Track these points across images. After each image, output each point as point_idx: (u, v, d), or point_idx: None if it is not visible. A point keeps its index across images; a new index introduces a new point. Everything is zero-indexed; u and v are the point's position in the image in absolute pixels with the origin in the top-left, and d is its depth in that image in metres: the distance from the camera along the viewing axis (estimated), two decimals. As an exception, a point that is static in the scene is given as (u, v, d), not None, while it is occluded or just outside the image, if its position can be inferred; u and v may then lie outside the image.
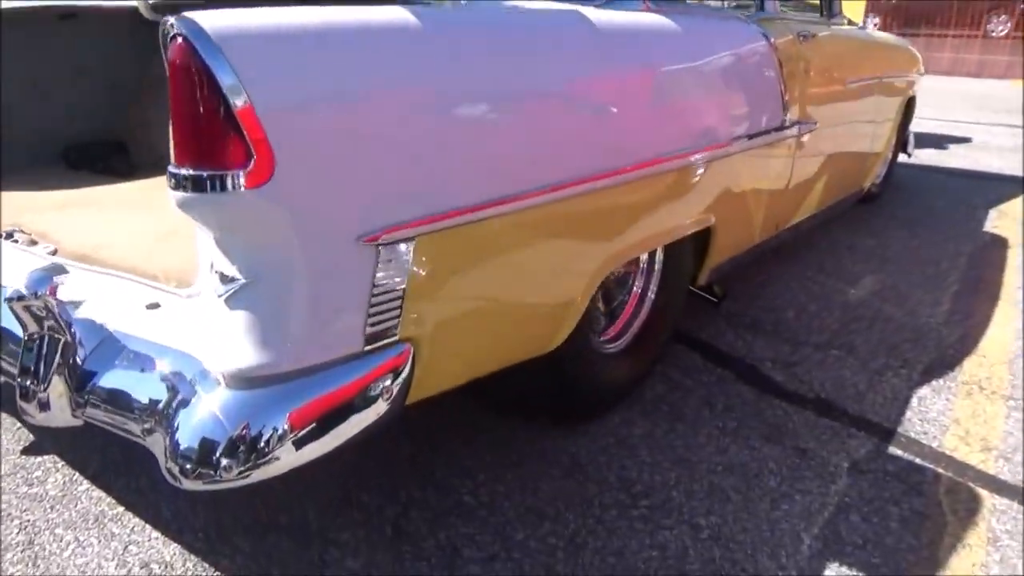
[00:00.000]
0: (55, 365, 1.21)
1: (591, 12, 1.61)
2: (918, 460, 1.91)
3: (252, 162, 0.98)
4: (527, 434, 1.93)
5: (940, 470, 1.87)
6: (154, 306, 1.28)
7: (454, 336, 1.35)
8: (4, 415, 1.98)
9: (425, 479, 1.76)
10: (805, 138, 2.63)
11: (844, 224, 3.90)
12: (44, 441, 1.89)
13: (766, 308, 2.81)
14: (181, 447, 1.09)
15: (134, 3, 2.35)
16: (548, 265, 1.50)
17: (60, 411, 1.23)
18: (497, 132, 1.33)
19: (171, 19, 0.97)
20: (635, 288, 2.07)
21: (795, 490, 1.77)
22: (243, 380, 1.08)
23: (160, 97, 2.28)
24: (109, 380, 1.22)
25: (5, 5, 2.07)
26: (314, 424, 1.14)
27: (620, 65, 1.67)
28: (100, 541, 1.56)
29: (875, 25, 16.51)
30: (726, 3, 2.70)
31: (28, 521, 1.62)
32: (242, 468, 1.06)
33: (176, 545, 1.55)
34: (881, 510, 1.71)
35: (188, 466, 1.07)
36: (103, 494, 1.70)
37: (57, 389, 1.23)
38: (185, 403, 1.11)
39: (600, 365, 1.94)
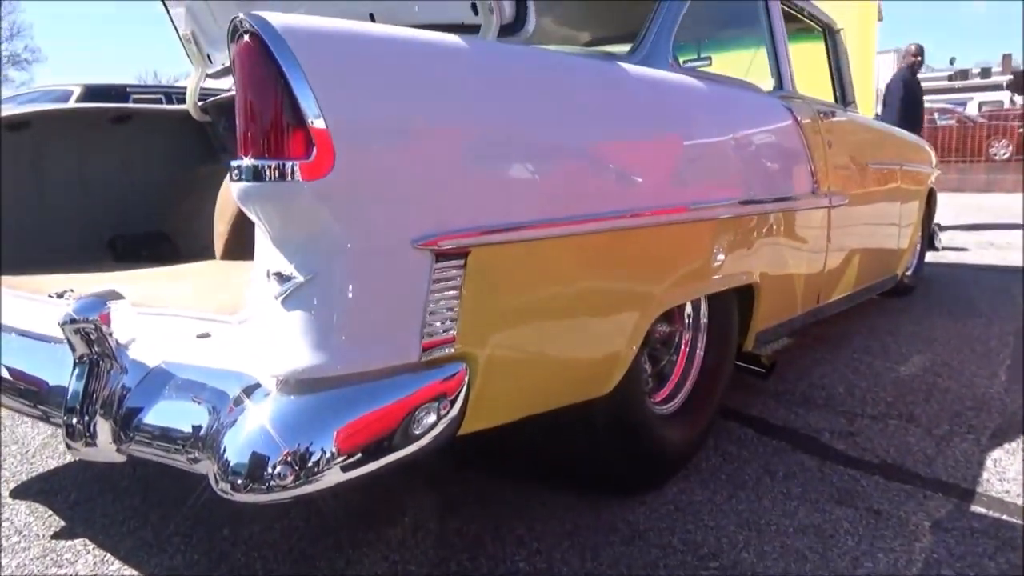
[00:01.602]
0: (100, 403, 1.18)
1: (636, 68, 1.69)
2: (1005, 517, 1.76)
3: (313, 155, 0.99)
4: (581, 505, 1.82)
5: (1032, 525, 1.72)
6: (204, 336, 1.25)
7: (509, 361, 1.31)
8: (34, 503, 1.92)
9: (476, 549, 1.65)
10: (836, 211, 2.64)
11: (882, 314, 3.84)
12: (75, 526, 1.80)
13: (815, 385, 2.72)
14: (232, 464, 1.03)
15: (184, 107, 2.50)
16: (602, 296, 1.48)
17: (105, 447, 1.18)
18: (556, 163, 1.36)
19: (243, 16, 1.01)
20: (683, 347, 2.01)
21: (876, 548, 1.63)
22: (295, 385, 1.03)
23: (205, 193, 2.37)
24: (155, 415, 1.17)
25: (68, 106, 2.20)
26: (366, 438, 1.08)
27: (671, 116, 1.74)
28: (131, 617, 1.45)
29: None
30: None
31: (56, 599, 1.51)
32: (294, 479, 1.00)
33: (212, 618, 1.44)
34: (976, 564, 1.56)
35: (240, 481, 1.01)
36: (135, 572, 1.60)
37: (103, 427, 1.19)
38: (232, 422, 1.06)
39: (654, 426, 1.85)
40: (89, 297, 1.16)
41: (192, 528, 1.76)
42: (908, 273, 4.26)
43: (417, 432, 1.14)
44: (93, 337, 1.14)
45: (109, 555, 1.67)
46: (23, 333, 1.46)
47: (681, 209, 1.70)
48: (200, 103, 2.48)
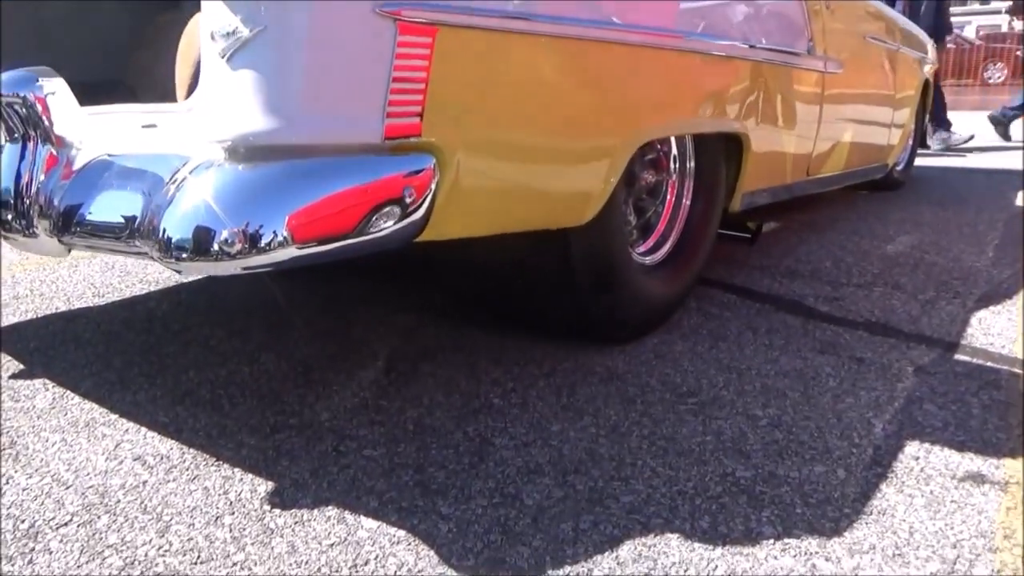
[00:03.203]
0: (37, 194, 1.09)
1: None
2: (989, 364, 1.73)
3: None
4: (558, 352, 1.77)
5: (1016, 370, 1.69)
6: (150, 126, 1.16)
7: (480, 165, 1.22)
8: (-7, 347, 1.85)
9: (449, 387, 1.60)
10: (831, 79, 2.54)
11: (870, 203, 3.78)
12: (34, 368, 1.74)
13: (801, 260, 2.66)
14: (174, 240, 0.95)
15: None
16: (584, 108, 1.38)
17: (46, 240, 1.10)
18: None
19: None
20: (669, 195, 1.94)
21: (858, 388, 1.60)
22: (244, 153, 0.95)
23: (167, 42, 2.22)
24: (94, 207, 1.09)
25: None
26: (322, 225, 1.00)
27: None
28: (89, 441, 1.40)
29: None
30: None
31: (11, 427, 1.46)
32: (242, 249, 0.92)
33: (173, 441, 1.39)
34: (959, 400, 1.53)
35: (184, 255, 0.94)
36: (95, 405, 1.55)
37: (41, 221, 1.10)
38: (171, 199, 0.98)
39: (637, 275, 1.78)
40: (20, 70, 1.06)
41: (157, 371, 1.70)
42: (899, 168, 4.19)
43: (378, 224, 1.07)
44: (26, 114, 1.05)
45: (69, 392, 1.61)
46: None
47: (677, 36, 1.60)
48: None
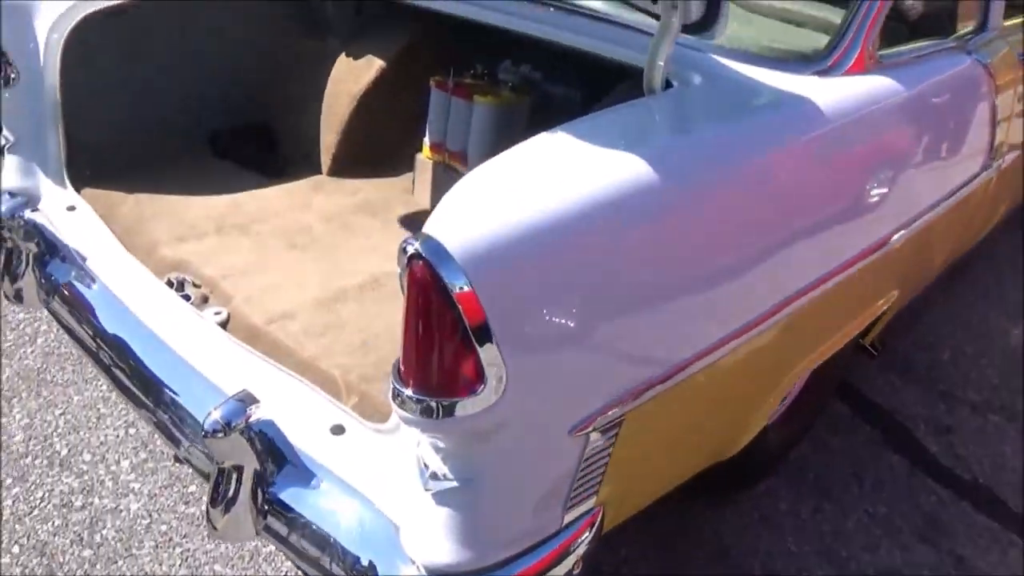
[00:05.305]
0: (246, 487, 1.21)
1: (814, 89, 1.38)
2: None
3: (483, 390, 0.90)
4: (673, 503, 1.87)
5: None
6: (339, 430, 1.24)
7: (644, 480, 1.29)
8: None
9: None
10: (1004, 166, 2.34)
11: (1008, 233, 3.52)
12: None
13: (920, 344, 2.61)
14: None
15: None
16: (743, 392, 1.40)
17: (244, 523, 1.23)
18: (699, 291, 1.17)
19: (415, 243, 0.86)
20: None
21: (949, 615, 1.69)
22: (442, 572, 1.04)
23: (309, 76, 2.16)
24: (296, 503, 1.19)
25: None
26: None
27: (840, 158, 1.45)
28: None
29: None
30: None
31: (188, 551, 1.67)
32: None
33: None
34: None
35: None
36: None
37: (244, 504, 1.22)
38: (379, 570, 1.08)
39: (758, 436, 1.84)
40: (230, 404, 1.14)
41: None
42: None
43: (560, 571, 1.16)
44: (234, 445, 1.14)
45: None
46: (155, 337, 1.45)
47: (844, 268, 1.50)
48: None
